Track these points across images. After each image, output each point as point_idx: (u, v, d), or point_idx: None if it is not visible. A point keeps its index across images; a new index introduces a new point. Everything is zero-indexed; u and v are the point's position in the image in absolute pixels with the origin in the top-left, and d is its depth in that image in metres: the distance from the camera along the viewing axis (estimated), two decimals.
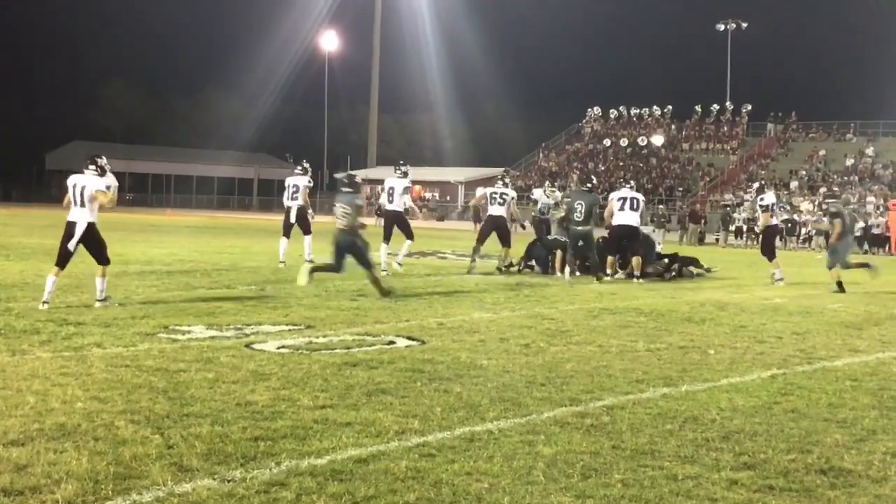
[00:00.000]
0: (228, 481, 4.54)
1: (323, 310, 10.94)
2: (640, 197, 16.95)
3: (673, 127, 63.78)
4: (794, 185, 51.55)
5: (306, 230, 17.54)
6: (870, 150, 53.61)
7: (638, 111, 65.40)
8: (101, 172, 10.86)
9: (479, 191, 18.29)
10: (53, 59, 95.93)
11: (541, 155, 67.12)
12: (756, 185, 21.34)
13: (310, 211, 17.76)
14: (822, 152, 55.25)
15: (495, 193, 17.50)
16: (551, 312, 11.43)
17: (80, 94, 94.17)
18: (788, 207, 41.69)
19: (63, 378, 6.69)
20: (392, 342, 8.72)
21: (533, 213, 18.39)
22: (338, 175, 12.66)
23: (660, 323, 10.72)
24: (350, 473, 4.71)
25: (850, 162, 52.82)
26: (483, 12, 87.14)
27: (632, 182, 17.90)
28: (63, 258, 10.65)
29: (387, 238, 16.71)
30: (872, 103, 62.77)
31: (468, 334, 9.36)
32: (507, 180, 18.51)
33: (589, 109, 67.73)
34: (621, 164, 59.01)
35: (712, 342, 9.31)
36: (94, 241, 10.75)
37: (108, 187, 10.78)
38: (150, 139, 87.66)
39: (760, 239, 16.74)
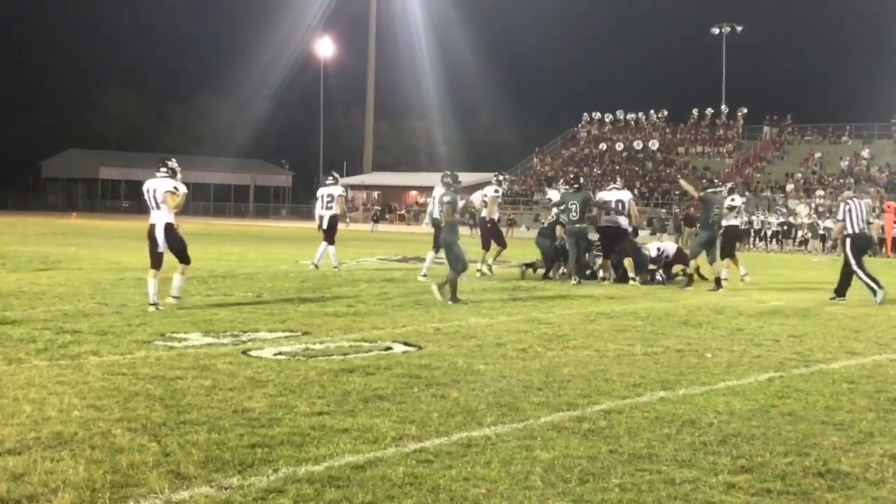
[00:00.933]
0: (225, 489, 4.53)
1: (319, 316, 10.94)
2: (626, 197, 16.97)
3: (668, 131, 63.87)
4: (789, 187, 51.66)
5: (330, 240, 17.76)
6: (865, 153, 53.72)
7: (634, 115, 65.49)
8: (172, 174, 11.40)
9: (475, 196, 18.33)
10: (49, 68, 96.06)
11: (536, 160, 67.19)
12: (728, 185, 21.55)
13: (348, 218, 18.11)
14: (817, 155, 55.37)
15: (484, 196, 17.77)
16: (548, 317, 11.43)
17: (76, 101, 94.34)
18: (784, 210, 41.72)
19: (59, 386, 6.68)
20: (389, 348, 8.72)
21: (545, 220, 18.41)
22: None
23: (657, 327, 10.71)
24: (347, 480, 4.70)
25: (845, 164, 52.92)
26: (478, 18, 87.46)
27: (618, 181, 18.02)
28: (155, 260, 11.20)
29: (436, 247, 16.75)
30: (868, 106, 63.02)
31: (465, 339, 9.35)
32: (500, 178, 18.70)
33: (585, 114, 67.83)
34: (617, 168, 59.08)
35: (709, 345, 9.31)
36: (173, 241, 11.25)
37: (176, 189, 11.12)
38: (146, 146, 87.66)
39: (721, 238, 16.77)
